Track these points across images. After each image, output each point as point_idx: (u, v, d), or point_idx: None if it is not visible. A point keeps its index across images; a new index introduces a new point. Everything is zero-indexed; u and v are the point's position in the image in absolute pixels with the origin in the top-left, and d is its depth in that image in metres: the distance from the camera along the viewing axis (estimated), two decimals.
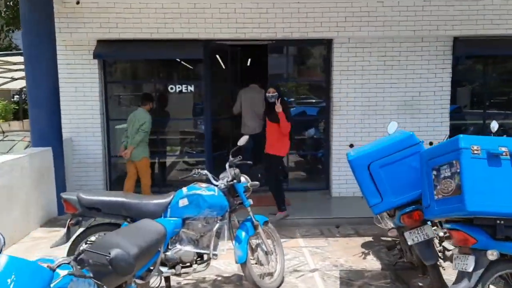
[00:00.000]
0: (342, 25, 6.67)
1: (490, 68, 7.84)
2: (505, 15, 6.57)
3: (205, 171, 3.99)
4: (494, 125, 4.80)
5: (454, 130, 7.04)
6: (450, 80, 6.98)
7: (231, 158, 3.97)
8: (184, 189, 3.77)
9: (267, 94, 5.85)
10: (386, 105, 6.97)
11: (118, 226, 3.66)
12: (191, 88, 7.28)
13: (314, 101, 8.53)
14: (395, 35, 6.75)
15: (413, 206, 3.54)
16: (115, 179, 7.57)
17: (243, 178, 4.04)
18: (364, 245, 5.23)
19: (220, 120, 8.08)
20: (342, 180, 7.09)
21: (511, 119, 7.97)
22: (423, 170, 3.27)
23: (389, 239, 5.30)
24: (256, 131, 7.32)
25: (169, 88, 7.28)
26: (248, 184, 3.96)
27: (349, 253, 4.97)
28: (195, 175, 3.97)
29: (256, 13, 6.60)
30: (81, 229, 3.73)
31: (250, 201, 3.97)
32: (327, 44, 7.10)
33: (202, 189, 3.75)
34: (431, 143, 6.99)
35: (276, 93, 5.74)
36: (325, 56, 7.27)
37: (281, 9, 6.60)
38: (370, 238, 5.48)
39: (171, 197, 3.73)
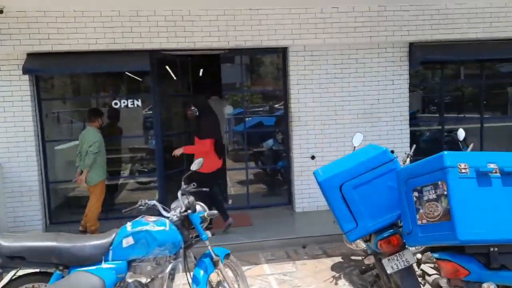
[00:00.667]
0: (297, 32, 6.33)
1: (446, 72, 7.81)
2: (460, 19, 6.51)
3: (153, 201, 3.44)
4: (461, 133, 4.60)
5: (411, 136, 6.90)
6: (408, 87, 6.82)
7: (183, 186, 3.45)
8: (128, 226, 3.20)
9: (188, 112, 5.94)
10: (345, 114, 6.70)
11: (49, 275, 3.04)
12: (138, 102, 6.65)
13: (270, 110, 8.18)
14: (351, 42, 6.50)
15: (391, 230, 3.19)
16: (56, 208, 6.79)
17: (199, 207, 3.53)
18: (334, 268, 4.85)
19: (173, 135, 7.50)
20: (305, 194, 6.72)
21: (466, 123, 7.97)
22: (401, 191, 2.92)
23: (359, 258, 4.97)
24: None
25: (113, 104, 6.62)
26: (205, 214, 3.45)
27: (319, 278, 4.57)
28: (141, 207, 3.41)
29: (206, 21, 6.12)
30: (1, 283, 3.06)
31: (208, 234, 3.45)
32: (283, 52, 6.75)
33: (150, 224, 3.20)
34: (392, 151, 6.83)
35: (195, 108, 5.74)
36: (281, 65, 6.91)
37: (232, 16, 6.17)
38: (339, 258, 5.12)
39: (113, 236, 3.15)
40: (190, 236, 3.43)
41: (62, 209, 7.03)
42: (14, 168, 6.06)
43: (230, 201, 7.06)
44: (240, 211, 6.87)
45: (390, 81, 6.75)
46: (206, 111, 5.78)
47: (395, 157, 3.21)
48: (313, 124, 6.65)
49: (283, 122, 7.12)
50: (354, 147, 4.56)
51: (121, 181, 7.51)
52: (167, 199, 6.62)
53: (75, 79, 7.89)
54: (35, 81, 6.26)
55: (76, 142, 7.89)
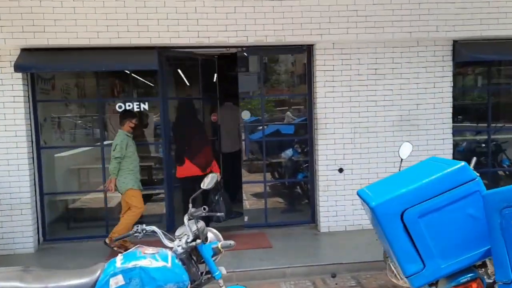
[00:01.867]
0: (325, 27, 5.55)
1: (491, 75, 6.93)
2: None
3: (153, 227, 2.67)
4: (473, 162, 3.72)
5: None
6: (452, 90, 5.97)
7: (191, 209, 2.67)
8: (118, 260, 2.44)
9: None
10: (379, 121, 5.86)
11: None
12: (144, 105, 5.92)
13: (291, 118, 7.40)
14: (387, 38, 5.69)
15: (470, 274, 2.35)
16: (52, 223, 6.06)
17: (211, 235, 2.76)
18: None
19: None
20: (332, 212, 5.88)
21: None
22: (492, 222, 2.09)
23: None
24: (233, 149, 7.12)
25: (117, 107, 5.90)
26: (219, 245, 2.65)
27: None
28: (137, 234, 2.64)
29: (222, 13, 5.38)
30: None
31: (223, 270, 2.66)
32: (308, 50, 5.96)
33: (147, 257, 2.43)
34: None
35: None
36: (306, 64, 6.11)
37: (251, 7, 5.41)
38: None
39: (97, 273, 2.39)
40: (200, 273, 2.65)
41: (58, 224, 6.31)
42: (4, 177, 5.35)
43: (246, 218, 6.24)
44: (257, 229, 6.06)
45: (431, 83, 5.90)
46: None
47: (476, 176, 2.38)
48: (341, 132, 5.83)
49: (302, 130, 6.33)
50: (401, 159, 3.74)
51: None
52: (174, 220, 5.86)
53: (74, 79, 7.23)
54: (30, 80, 5.58)
55: (80, 150, 7.32)
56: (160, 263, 2.42)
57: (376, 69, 5.81)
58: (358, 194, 2.78)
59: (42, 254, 5.41)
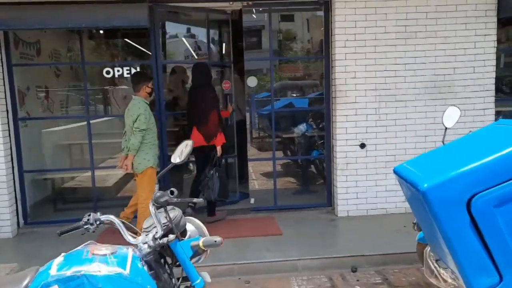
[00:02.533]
0: None
1: None
2: None
3: (110, 217, 1.94)
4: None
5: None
6: (495, 51, 5.04)
7: (156, 193, 1.92)
8: (55, 264, 1.72)
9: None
10: (409, 87, 4.99)
11: None
12: (136, 70, 5.14)
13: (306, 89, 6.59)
14: None
15: None
16: (36, 204, 5.42)
17: (191, 228, 2.02)
18: None
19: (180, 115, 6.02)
20: (351, 194, 5.09)
21: None
22: None
23: None
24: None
25: (104, 72, 5.12)
26: (200, 242, 1.90)
27: None
28: (88, 227, 1.92)
29: None
30: None
31: (206, 277, 1.92)
32: (326, 5, 5.08)
33: (94, 261, 1.70)
34: None
35: None
36: (322, 21, 5.23)
37: None
38: None
39: (24, 283, 1.68)
40: (174, 280, 1.92)
41: (44, 206, 5.67)
42: None
43: (252, 200, 5.49)
44: (265, 213, 5.31)
45: (471, 43, 4.98)
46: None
47: None
48: (364, 101, 4.98)
49: (321, 101, 5.51)
50: (446, 128, 2.91)
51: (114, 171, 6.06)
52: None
53: (64, 42, 6.52)
54: (4, 42, 4.85)
55: (74, 124, 6.63)
56: (113, 269, 1.69)
57: (406, 26, 4.91)
58: (395, 172, 1.99)
59: (20, 240, 4.78)
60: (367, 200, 5.10)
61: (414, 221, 2.62)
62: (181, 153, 1.99)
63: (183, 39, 6.33)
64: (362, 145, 5.03)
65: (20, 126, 5.05)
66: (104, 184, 6.72)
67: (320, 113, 6.64)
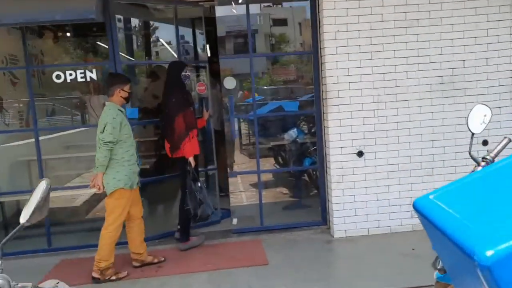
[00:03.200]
0: None
1: None
2: None
3: None
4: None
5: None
6: (511, 39, 4.34)
7: None
8: None
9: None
10: (411, 85, 4.28)
11: None
12: (91, 74, 4.37)
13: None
14: None
15: None
16: None
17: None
18: None
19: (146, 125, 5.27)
20: (349, 211, 4.35)
21: None
22: None
23: None
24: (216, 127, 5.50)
25: (54, 76, 4.35)
26: None
27: None
28: None
29: None
30: None
31: None
32: None
33: None
34: (485, 142, 4.39)
35: None
36: (308, 11, 4.52)
37: None
38: None
39: None
40: None
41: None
42: None
43: (234, 221, 4.74)
44: (250, 235, 4.56)
45: (483, 30, 4.28)
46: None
47: None
48: (360, 101, 4.26)
49: (309, 106, 4.81)
50: (472, 134, 2.19)
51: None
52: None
53: (10, 40, 5.75)
54: None
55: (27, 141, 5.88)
56: None
57: (406, 12, 4.20)
58: (417, 209, 1.28)
59: None
60: (367, 217, 4.36)
61: (438, 266, 1.88)
62: (36, 206, 1.30)
63: (154, 37, 5.59)
64: (360, 153, 4.30)
65: None
66: (72, 204, 5.97)
67: (312, 116, 6.01)
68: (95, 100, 6.19)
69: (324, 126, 4.46)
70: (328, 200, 4.53)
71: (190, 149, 4.09)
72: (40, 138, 6.33)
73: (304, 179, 5.95)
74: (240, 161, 7.12)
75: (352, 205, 4.35)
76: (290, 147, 6.14)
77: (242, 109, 6.95)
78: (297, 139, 6.02)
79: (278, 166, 6.99)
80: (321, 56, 4.38)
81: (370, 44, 4.21)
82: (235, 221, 4.67)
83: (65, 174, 6.50)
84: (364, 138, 4.29)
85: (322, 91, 4.43)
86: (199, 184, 4.15)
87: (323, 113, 4.45)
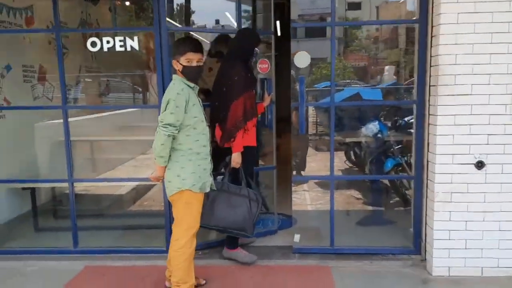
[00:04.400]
0: None
1: None
2: None
3: None
4: None
5: None
6: None
7: None
8: None
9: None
10: None
11: None
12: (132, 42, 3.50)
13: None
14: None
15: None
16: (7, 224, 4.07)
17: None
18: None
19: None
20: (457, 242, 3.17)
21: None
22: None
23: None
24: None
25: (88, 44, 3.52)
26: None
27: None
28: None
29: None
30: None
31: None
32: None
33: None
34: None
35: None
36: None
37: None
38: None
39: None
40: None
41: (17, 226, 4.30)
42: None
43: (296, 238, 3.69)
44: (316, 258, 3.52)
45: None
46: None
47: None
48: (487, 92, 3.02)
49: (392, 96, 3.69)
50: None
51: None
52: None
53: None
54: None
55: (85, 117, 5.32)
56: None
57: None
58: None
59: None
60: (482, 252, 3.16)
61: None
62: None
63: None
64: (480, 164, 3.08)
65: None
66: (116, 191, 5.33)
67: (396, 108, 4.82)
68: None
69: (429, 123, 3.27)
70: (425, 223, 3.37)
71: (240, 142, 3.20)
72: (91, 116, 5.85)
73: (385, 183, 4.81)
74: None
75: (462, 234, 3.15)
76: (368, 144, 5.03)
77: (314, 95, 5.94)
78: (378, 135, 4.87)
79: (349, 164, 5.90)
80: (432, 27, 3.17)
81: (509, 11, 2.93)
82: (297, 237, 3.65)
83: (115, 157, 5.88)
84: (487, 144, 3.06)
85: (430, 75, 3.23)
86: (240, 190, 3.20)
87: (430, 105, 3.25)
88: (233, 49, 3.37)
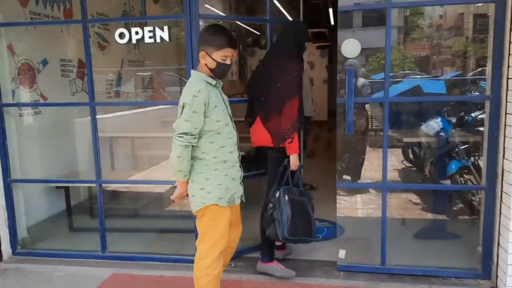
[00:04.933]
0: None
1: None
2: None
3: None
4: None
5: None
6: None
7: None
8: None
9: None
10: None
11: None
12: (162, 33, 3.20)
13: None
14: None
15: None
16: (38, 224, 3.97)
17: None
18: None
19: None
20: None
21: None
22: None
23: None
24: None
25: (116, 36, 3.26)
26: None
27: None
28: None
29: None
30: None
31: None
32: None
33: None
34: None
35: None
36: None
37: None
38: None
39: None
40: None
41: (53, 225, 4.21)
42: None
43: (341, 254, 3.24)
44: (363, 279, 3.06)
45: None
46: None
47: None
48: None
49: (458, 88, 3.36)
50: None
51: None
52: None
53: None
54: None
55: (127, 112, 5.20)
56: None
57: None
58: None
59: None
60: None
61: None
62: None
63: None
64: None
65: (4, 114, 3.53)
66: (155, 188, 5.13)
67: (463, 102, 4.23)
68: None
69: (506, 124, 2.70)
70: (498, 243, 2.81)
71: (297, 143, 2.95)
72: (134, 111, 5.71)
73: (446, 195, 4.21)
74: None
75: None
76: (429, 143, 4.46)
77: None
78: (441, 133, 4.28)
79: (406, 164, 5.31)
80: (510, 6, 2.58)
81: None
82: (342, 253, 3.20)
83: (158, 154, 5.70)
84: None
85: (508, 66, 2.65)
86: (279, 194, 2.89)
87: (507, 102, 2.68)
88: (286, 42, 3.04)
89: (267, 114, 2.96)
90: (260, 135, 3.01)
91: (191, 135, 2.23)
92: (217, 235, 2.39)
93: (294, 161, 2.93)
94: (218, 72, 2.35)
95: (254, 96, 3.10)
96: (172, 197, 2.47)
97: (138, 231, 4.11)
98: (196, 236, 2.48)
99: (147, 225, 4.36)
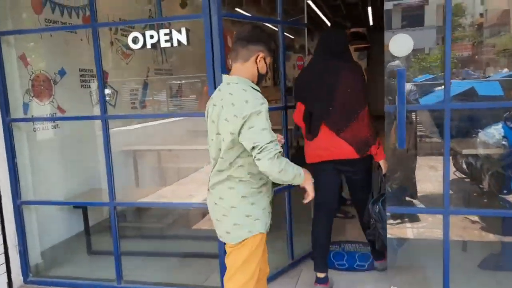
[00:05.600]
0: None
1: None
2: None
3: None
4: None
5: None
6: None
7: None
8: None
9: None
10: None
11: None
12: (180, 36, 2.81)
13: None
14: None
15: None
16: (48, 251, 3.68)
17: None
18: None
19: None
20: None
21: None
22: None
23: None
24: None
25: (130, 40, 2.91)
26: None
27: None
28: None
29: None
30: None
31: None
32: None
33: None
34: None
35: None
36: None
37: None
38: None
39: None
40: None
41: (69, 248, 3.90)
42: None
43: None
44: None
45: None
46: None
47: None
48: None
49: None
50: None
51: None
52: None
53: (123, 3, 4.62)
54: None
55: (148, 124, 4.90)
56: None
57: None
58: None
59: None
60: None
61: None
62: None
63: None
64: None
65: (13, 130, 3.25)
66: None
67: None
68: None
69: None
70: None
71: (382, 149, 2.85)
72: (161, 122, 5.41)
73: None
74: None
75: None
76: (487, 155, 3.90)
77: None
78: (503, 142, 3.70)
79: (459, 175, 4.69)
80: None
81: None
82: None
83: (186, 166, 5.35)
84: None
85: None
86: (379, 206, 2.80)
87: None
88: (341, 47, 2.88)
89: (342, 125, 2.72)
90: (341, 149, 2.74)
91: (273, 142, 1.82)
92: (253, 267, 1.99)
93: (385, 165, 2.84)
94: (262, 79, 2.04)
95: (314, 109, 2.81)
96: (305, 201, 2.10)
97: (161, 255, 3.74)
98: (222, 269, 2.08)
99: (171, 247, 3.98)
